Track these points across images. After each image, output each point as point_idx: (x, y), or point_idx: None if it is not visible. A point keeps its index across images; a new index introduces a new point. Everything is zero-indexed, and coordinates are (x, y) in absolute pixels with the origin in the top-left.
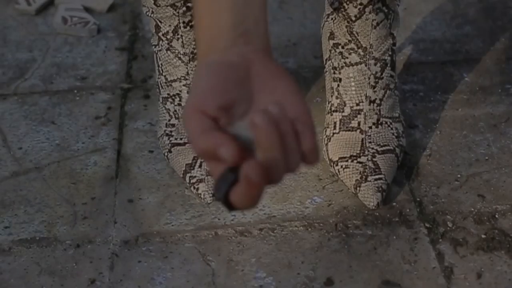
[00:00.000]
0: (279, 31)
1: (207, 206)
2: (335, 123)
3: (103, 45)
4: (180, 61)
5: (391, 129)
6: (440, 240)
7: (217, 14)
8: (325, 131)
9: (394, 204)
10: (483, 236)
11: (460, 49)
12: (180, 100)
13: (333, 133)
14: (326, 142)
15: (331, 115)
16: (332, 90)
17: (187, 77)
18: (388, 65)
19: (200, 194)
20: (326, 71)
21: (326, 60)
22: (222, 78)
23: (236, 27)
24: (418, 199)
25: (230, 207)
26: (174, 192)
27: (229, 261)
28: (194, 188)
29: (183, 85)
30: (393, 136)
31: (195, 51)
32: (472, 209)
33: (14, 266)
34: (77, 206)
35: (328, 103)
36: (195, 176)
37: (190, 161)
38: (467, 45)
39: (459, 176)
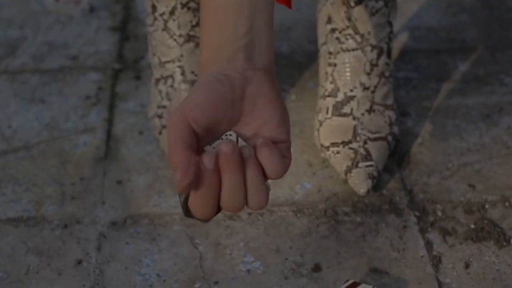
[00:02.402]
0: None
1: None
2: (327, 108)
3: (95, 25)
4: (175, 43)
5: (384, 116)
6: (429, 229)
7: (221, 24)
8: (317, 115)
9: (384, 191)
10: (472, 226)
11: (456, 38)
12: (173, 82)
13: (325, 118)
14: (318, 127)
15: (324, 100)
16: (326, 75)
17: (180, 58)
18: (384, 52)
19: None
20: (320, 56)
21: (321, 44)
22: (217, 96)
23: (239, 39)
24: (408, 187)
25: (189, 214)
26: (164, 175)
27: (217, 245)
28: None
29: (177, 67)
30: (386, 124)
31: (190, 33)
32: (462, 199)
33: (1, 245)
34: (66, 186)
35: (322, 88)
36: None
37: None
38: (462, 34)
39: (450, 165)
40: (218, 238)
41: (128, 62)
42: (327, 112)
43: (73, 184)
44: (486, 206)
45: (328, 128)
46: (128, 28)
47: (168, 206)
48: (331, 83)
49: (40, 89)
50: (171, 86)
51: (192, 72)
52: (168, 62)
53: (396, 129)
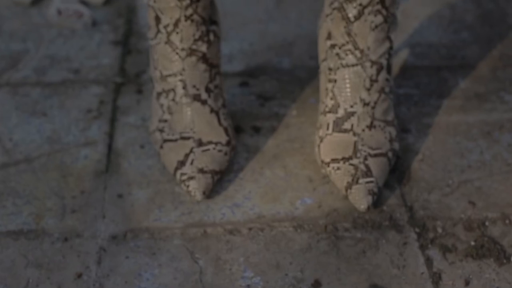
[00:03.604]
0: (275, 30)
1: (197, 204)
2: (328, 124)
3: (97, 38)
4: (177, 56)
5: (384, 132)
6: (430, 245)
7: None
8: (318, 131)
9: (385, 208)
10: (472, 243)
11: (456, 55)
12: (174, 96)
13: (326, 134)
14: (318, 143)
15: (325, 116)
16: (326, 91)
17: (182, 72)
18: (384, 68)
19: (191, 191)
20: (320, 72)
21: (322, 61)
22: None
23: None
24: (408, 204)
25: None
26: (164, 189)
27: (217, 260)
28: (184, 185)
29: (179, 80)
30: (386, 140)
31: (193, 46)
32: (463, 216)
33: (1, 258)
34: (66, 199)
35: (322, 104)
36: (185, 173)
37: (182, 158)
38: (463, 51)
39: (450, 182)
40: (218, 253)
41: (129, 76)
42: (327, 128)
43: (73, 197)
44: (486, 223)
45: (328, 144)
46: (130, 42)
47: (169, 220)
48: (331, 99)
49: (42, 102)
50: (173, 100)
51: (194, 86)
52: (170, 75)
53: (396, 145)
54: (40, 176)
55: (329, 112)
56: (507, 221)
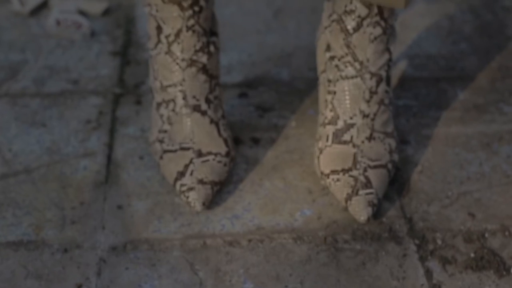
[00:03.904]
0: (273, 42)
1: (196, 215)
2: (327, 135)
3: (96, 49)
4: (177, 66)
5: (384, 144)
6: (429, 257)
7: None
8: (318, 143)
9: (384, 219)
10: (472, 255)
11: (455, 66)
12: (174, 106)
13: (326, 146)
14: (318, 154)
15: (324, 127)
16: (326, 103)
17: (182, 83)
18: (384, 80)
19: (190, 202)
20: (319, 84)
21: (321, 72)
22: None
23: None
24: (408, 216)
25: None
26: (164, 200)
27: (217, 271)
28: (184, 196)
29: (179, 91)
30: (386, 151)
31: (193, 57)
32: (462, 228)
33: (1, 269)
34: (66, 210)
35: (322, 115)
36: (185, 184)
37: (181, 169)
38: (462, 62)
39: (450, 193)
40: (218, 265)
41: (128, 87)
42: (327, 140)
43: (73, 208)
44: (486, 235)
45: (328, 156)
46: (129, 53)
47: (168, 231)
48: (330, 110)
49: (41, 113)
50: (173, 110)
51: (194, 97)
52: (170, 86)
53: (396, 157)
54: (39, 187)
55: (329, 123)
56: (506, 233)
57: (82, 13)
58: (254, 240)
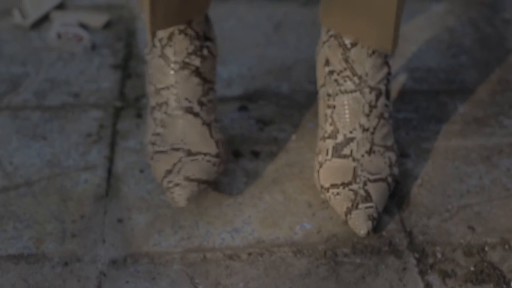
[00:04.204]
0: (273, 55)
1: (196, 228)
2: (327, 149)
3: (97, 62)
4: (170, 69)
5: (384, 157)
6: (429, 271)
7: None
8: (317, 157)
9: (384, 233)
10: (472, 268)
11: (455, 79)
12: (167, 108)
13: (325, 160)
14: (318, 168)
15: (324, 141)
16: (325, 117)
17: (175, 85)
18: (383, 94)
19: (175, 197)
20: (319, 98)
21: (320, 86)
22: None
23: None
24: (408, 229)
25: None
26: (164, 213)
27: (217, 285)
28: (170, 192)
29: (171, 93)
30: (385, 165)
31: (186, 60)
32: (462, 241)
33: (1, 282)
34: (66, 224)
35: (321, 129)
36: (171, 181)
37: (170, 167)
38: (462, 75)
39: (450, 207)
40: (218, 278)
41: (129, 100)
42: (327, 154)
43: (73, 221)
44: (486, 249)
45: (328, 170)
46: (129, 66)
47: (168, 245)
48: (330, 124)
49: (42, 126)
50: (165, 112)
51: (186, 99)
52: (163, 88)
53: (396, 171)
54: (40, 200)
55: (328, 137)
56: (506, 246)
57: (83, 26)
58: (254, 254)
